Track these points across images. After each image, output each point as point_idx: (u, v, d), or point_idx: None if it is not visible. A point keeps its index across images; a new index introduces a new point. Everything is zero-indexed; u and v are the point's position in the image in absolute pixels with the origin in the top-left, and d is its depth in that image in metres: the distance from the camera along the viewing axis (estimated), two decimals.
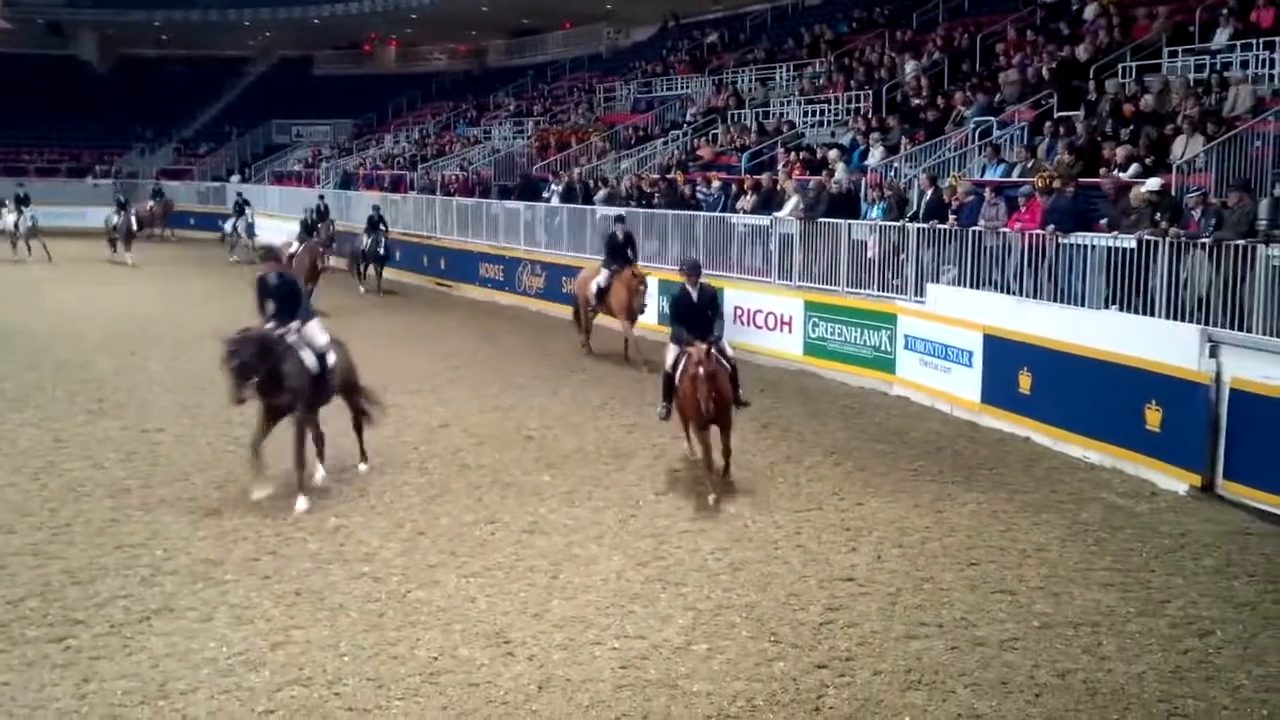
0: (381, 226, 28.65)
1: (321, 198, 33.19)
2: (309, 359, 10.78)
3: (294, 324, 10.84)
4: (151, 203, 42.58)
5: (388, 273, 28.81)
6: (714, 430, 11.24)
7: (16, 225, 34.11)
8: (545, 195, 27.89)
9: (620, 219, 20.04)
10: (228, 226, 37.32)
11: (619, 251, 19.09)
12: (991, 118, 19.73)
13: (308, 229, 26.99)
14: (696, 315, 11.39)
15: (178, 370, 17.22)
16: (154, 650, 7.60)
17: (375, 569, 9.13)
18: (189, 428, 13.63)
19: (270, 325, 10.79)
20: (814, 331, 17.67)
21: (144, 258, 34.64)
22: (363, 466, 11.88)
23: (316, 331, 11.05)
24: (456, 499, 11.00)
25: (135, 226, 35.48)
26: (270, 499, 10.74)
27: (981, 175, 17.74)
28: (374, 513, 10.56)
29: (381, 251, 28.12)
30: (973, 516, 10.60)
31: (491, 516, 10.47)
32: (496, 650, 7.65)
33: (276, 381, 10.52)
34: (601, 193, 25.40)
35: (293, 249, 24.56)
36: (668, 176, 24.48)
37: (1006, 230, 15.33)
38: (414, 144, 42.10)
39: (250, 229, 35.99)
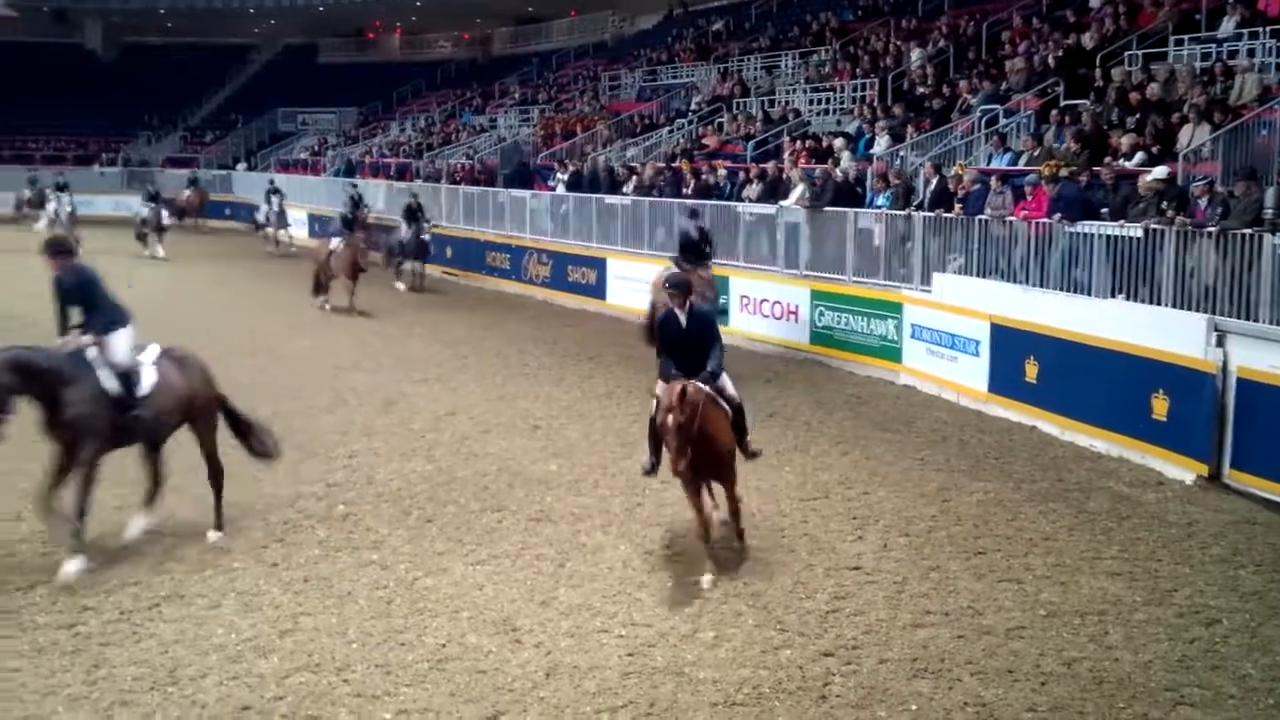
0: (421, 216, 26.62)
1: (354, 185, 31.71)
2: (107, 380, 8.77)
3: (87, 338, 8.88)
4: (188, 192, 41.55)
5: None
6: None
7: (57, 213, 33.74)
8: (551, 184, 27.85)
9: (695, 213, 17.99)
10: (260, 215, 36.49)
11: (693, 249, 16.74)
12: (998, 106, 19.70)
13: (348, 223, 24.42)
14: (687, 345, 9.15)
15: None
16: (163, 637, 7.64)
17: (383, 557, 9.17)
18: None
19: (66, 340, 8.93)
20: (820, 320, 17.66)
21: (175, 251, 32.65)
22: (212, 535, 9.47)
23: (122, 343, 8.97)
24: (464, 487, 11.02)
25: (169, 217, 33.87)
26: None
27: (988, 164, 17.72)
28: (381, 501, 10.59)
29: (426, 244, 26.14)
30: (979, 506, 10.62)
31: (498, 505, 10.50)
32: (504, 637, 7.68)
33: (55, 411, 8.58)
34: (632, 181, 24.69)
35: (333, 245, 23.19)
36: (673, 165, 24.45)
37: (1013, 219, 15.31)
38: (419, 132, 42.10)
39: (282, 217, 34.93)
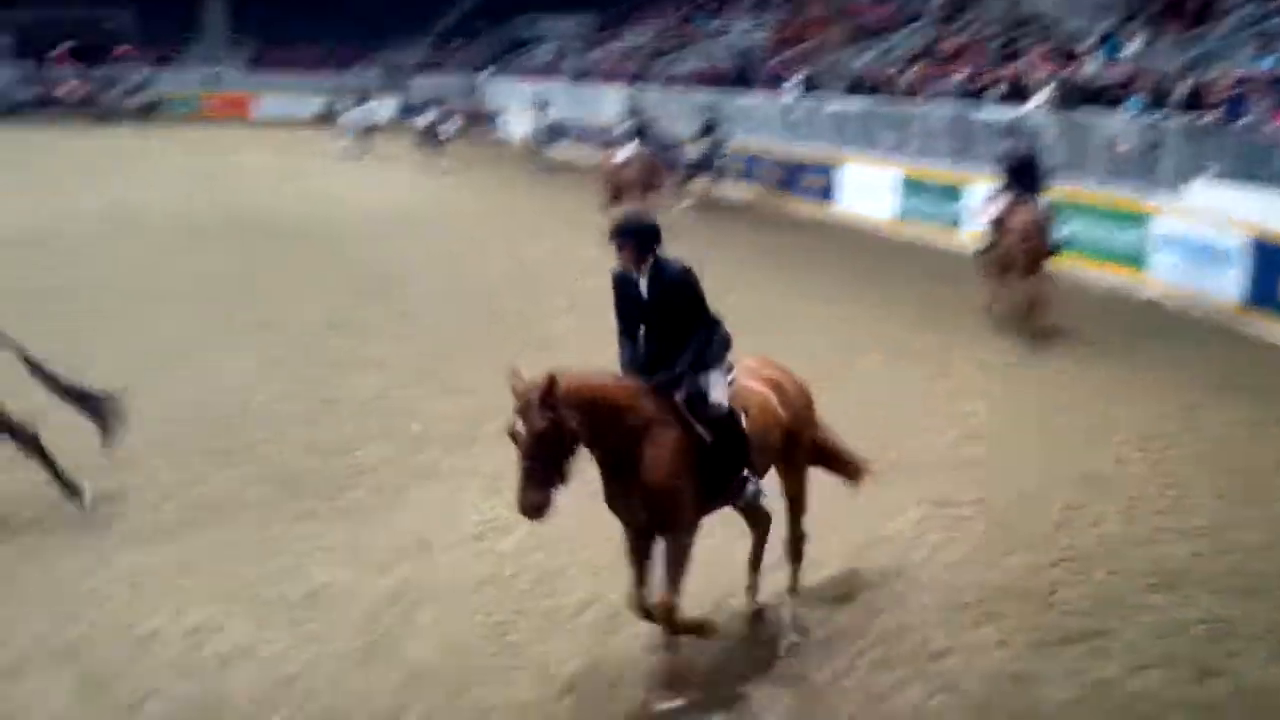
0: (718, 131, 23.93)
1: (634, 94, 28.09)
2: None
3: None
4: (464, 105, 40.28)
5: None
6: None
7: (355, 124, 32.88)
8: (784, 87, 27.55)
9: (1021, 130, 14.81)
10: (526, 129, 32.95)
11: (1026, 173, 13.68)
12: (1263, 4, 18.27)
13: (639, 133, 21.42)
14: (650, 323, 5.98)
15: (440, 255, 18.24)
16: (415, 512, 8.23)
17: None
18: (448, 311, 14.38)
19: None
20: (1062, 229, 16.96)
21: (433, 163, 31.03)
22: None
23: None
24: None
25: (448, 129, 32.01)
26: None
27: (1250, 67, 16.56)
28: None
29: (719, 159, 23.65)
30: (1225, 425, 10.16)
31: None
32: (733, 529, 7.82)
33: None
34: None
35: (620, 157, 20.79)
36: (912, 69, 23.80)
37: (1276, 125, 14.29)
38: (655, 37, 42.13)
39: (549, 132, 30.91)
